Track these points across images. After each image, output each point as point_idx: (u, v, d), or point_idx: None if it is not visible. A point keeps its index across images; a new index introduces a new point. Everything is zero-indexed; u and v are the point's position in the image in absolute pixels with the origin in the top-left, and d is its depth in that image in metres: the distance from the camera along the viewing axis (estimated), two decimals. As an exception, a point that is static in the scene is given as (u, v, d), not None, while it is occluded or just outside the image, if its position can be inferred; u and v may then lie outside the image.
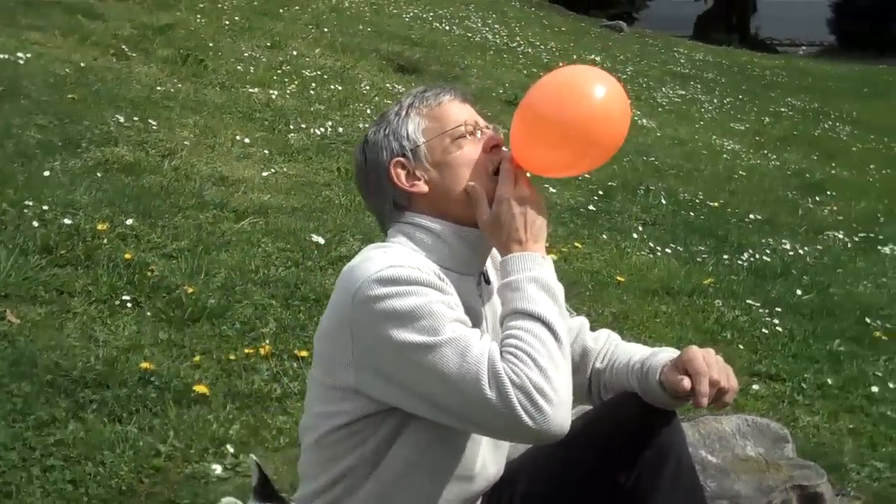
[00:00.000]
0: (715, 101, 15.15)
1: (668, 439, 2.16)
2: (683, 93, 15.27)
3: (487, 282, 2.23)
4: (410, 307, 1.90)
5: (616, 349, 2.40)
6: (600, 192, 7.92)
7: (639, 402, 2.19)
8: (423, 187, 2.14)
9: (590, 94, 2.15)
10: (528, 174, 2.17)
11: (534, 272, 2.01)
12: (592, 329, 2.46)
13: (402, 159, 2.15)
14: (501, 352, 1.89)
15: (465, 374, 1.85)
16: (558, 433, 1.87)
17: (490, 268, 2.27)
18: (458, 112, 2.19)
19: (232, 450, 3.39)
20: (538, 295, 1.97)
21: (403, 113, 2.19)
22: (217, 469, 3.27)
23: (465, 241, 2.14)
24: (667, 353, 2.25)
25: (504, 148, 2.20)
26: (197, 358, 3.99)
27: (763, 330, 5.37)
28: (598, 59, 16.25)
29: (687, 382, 2.04)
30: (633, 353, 2.34)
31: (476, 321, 2.10)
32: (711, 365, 2.07)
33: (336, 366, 2.02)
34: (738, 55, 25.77)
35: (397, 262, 1.96)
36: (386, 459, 2.06)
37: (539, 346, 1.88)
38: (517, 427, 1.84)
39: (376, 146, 2.19)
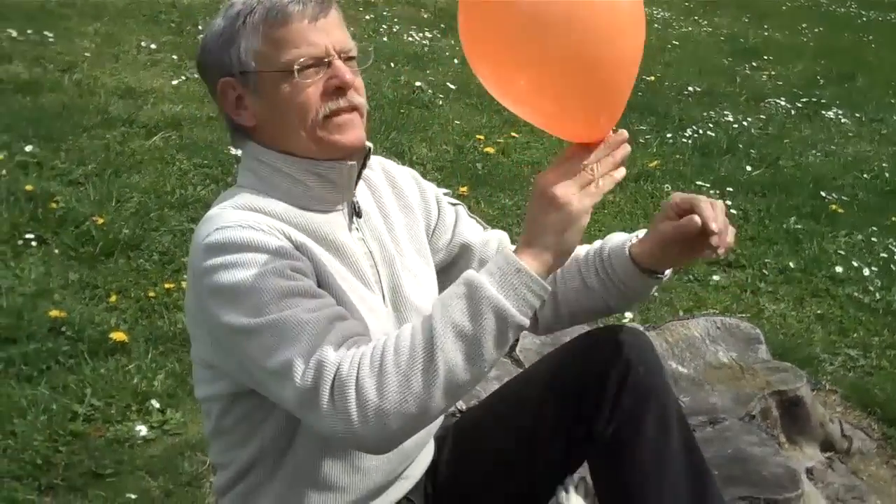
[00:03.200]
0: (639, -34, 14.68)
1: (647, 383, 1.85)
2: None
3: (359, 214, 1.82)
4: (234, 283, 1.55)
5: None
6: (532, 74, 7.51)
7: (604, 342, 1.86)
8: (249, 119, 1.73)
9: None
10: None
11: (499, 306, 1.47)
12: None
13: (231, 79, 1.72)
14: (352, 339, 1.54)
15: (284, 362, 1.50)
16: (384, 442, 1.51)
17: (364, 196, 1.86)
18: (300, 38, 1.68)
19: (157, 405, 3.05)
20: (459, 327, 1.48)
21: (240, 22, 1.69)
22: (142, 430, 2.93)
23: (318, 176, 1.73)
24: (617, 236, 1.94)
25: (355, 93, 1.71)
26: (113, 298, 3.64)
27: (717, 213, 5.09)
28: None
29: (697, 219, 1.65)
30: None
31: (350, 261, 1.74)
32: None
33: (199, 341, 1.71)
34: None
35: (227, 222, 1.60)
36: (298, 437, 1.72)
37: (391, 354, 1.48)
38: (342, 429, 1.47)
39: (210, 55, 1.75)
